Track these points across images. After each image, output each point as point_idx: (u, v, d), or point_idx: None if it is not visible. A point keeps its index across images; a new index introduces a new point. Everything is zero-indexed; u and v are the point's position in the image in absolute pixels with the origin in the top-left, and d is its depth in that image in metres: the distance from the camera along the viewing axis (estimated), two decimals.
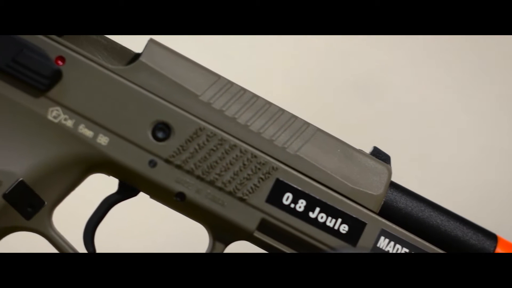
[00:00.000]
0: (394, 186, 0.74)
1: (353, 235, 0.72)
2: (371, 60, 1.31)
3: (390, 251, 0.72)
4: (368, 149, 0.74)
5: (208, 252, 0.74)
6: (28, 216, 0.71)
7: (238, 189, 0.72)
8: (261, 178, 0.72)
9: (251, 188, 0.72)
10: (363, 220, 0.73)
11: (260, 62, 1.23)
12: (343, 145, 0.73)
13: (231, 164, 0.72)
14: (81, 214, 0.74)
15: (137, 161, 0.71)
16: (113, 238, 0.94)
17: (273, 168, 0.72)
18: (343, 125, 1.10)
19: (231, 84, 0.72)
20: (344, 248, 0.72)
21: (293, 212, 0.72)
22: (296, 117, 0.73)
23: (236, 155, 0.71)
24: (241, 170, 0.72)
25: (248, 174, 0.72)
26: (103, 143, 0.71)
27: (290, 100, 0.90)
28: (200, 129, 0.71)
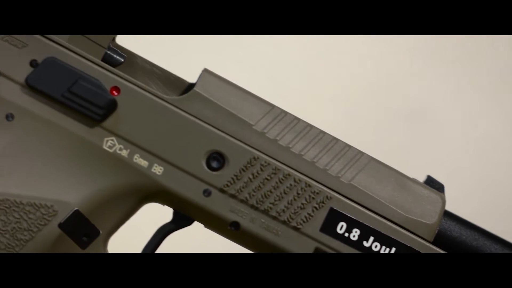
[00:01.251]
0: (448, 214, 0.74)
1: None
2: (421, 87, 1.31)
3: None
4: (421, 178, 0.74)
5: None
6: (83, 246, 0.71)
7: (292, 218, 0.72)
8: (315, 207, 0.72)
9: (305, 217, 0.72)
10: (416, 249, 0.72)
11: (311, 91, 1.24)
12: (396, 174, 0.73)
13: (285, 193, 0.72)
14: (135, 243, 0.75)
15: (191, 191, 0.71)
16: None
17: (327, 197, 0.72)
18: (396, 154, 1.10)
19: (285, 113, 0.72)
20: None
21: (347, 241, 0.72)
22: (350, 146, 0.73)
23: (290, 184, 0.71)
24: (295, 199, 0.72)
25: (302, 203, 0.72)
26: (158, 173, 0.71)
27: (342, 128, 0.90)
28: (254, 158, 0.71)
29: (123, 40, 0.73)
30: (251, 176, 0.71)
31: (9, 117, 0.70)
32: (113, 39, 0.73)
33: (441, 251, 0.72)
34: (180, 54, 1.14)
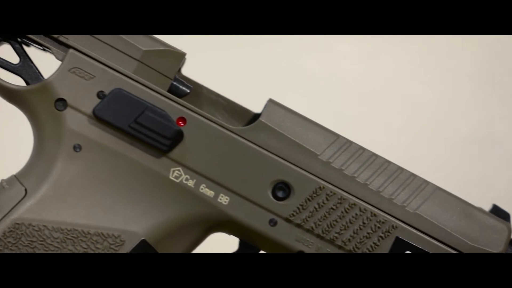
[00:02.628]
0: None
1: None
2: (487, 114, 1.30)
3: None
4: (487, 207, 0.74)
5: None
6: None
7: (358, 248, 0.72)
8: (381, 237, 0.72)
9: (371, 246, 0.72)
10: None
11: (374, 119, 1.23)
12: (462, 203, 0.73)
13: (350, 222, 0.72)
14: None
15: (258, 220, 0.71)
16: None
17: (392, 226, 0.72)
18: (461, 182, 1.09)
19: (350, 143, 0.72)
20: None
21: None
22: (415, 176, 0.73)
23: (356, 214, 0.72)
24: (360, 229, 0.72)
25: (368, 233, 0.72)
26: (224, 203, 0.71)
27: (407, 157, 0.90)
28: (320, 188, 0.71)
29: (188, 71, 0.74)
30: (316, 206, 0.71)
31: (77, 148, 0.71)
32: (179, 70, 0.74)
33: None
34: (245, 85, 1.14)
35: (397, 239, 0.72)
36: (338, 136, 0.72)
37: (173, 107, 0.71)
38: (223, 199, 0.71)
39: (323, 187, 0.71)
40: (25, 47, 0.72)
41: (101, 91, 0.71)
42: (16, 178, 0.72)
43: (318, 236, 0.71)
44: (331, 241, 0.71)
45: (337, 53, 1.25)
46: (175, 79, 0.72)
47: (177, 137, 0.70)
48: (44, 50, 0.72)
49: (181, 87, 0.72)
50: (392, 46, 1.26)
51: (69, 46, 0.71)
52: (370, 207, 0.71)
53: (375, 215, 0.71)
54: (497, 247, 0.72)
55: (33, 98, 0.71)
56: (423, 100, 1.26)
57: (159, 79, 0.71)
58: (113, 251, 0.71)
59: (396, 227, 0.71)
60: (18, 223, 0.70)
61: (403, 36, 1.24)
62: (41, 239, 0.70)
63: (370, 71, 1.26)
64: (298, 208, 0.71)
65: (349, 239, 0.72)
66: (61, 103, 0.71)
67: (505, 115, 1.30)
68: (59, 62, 0.71)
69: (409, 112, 1.26)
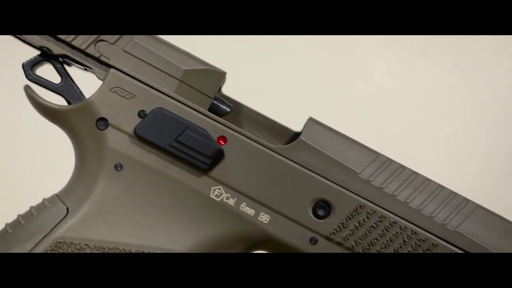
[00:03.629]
0: None
1: None
2: None
3: None
4: None
5: None
6: None
7: None
8: None
9: None
10: None
11: (414, 136, 1.23)
12: (502, 221, 0.73)
13: (391, 240, 0.72)
14: None
15: (298, 239, 0.72)
16: None
17: (433, 244, 0.72)
18: (502, 200, 1.09)
19: (390, 161, 0.72)
20: None
21: None
22: (455, 194, 0.73)
23: (396, 232, 0.71)
24: (401, 247, 0.71)
25: (408, 251, 0.71)
26: (264, 221, 0.72)
27: (447, 175, 0.90)
28: (361, 206, 0.71)
29: (229, 90, 0.74)
30: (357, 224, 0.71)
31: (118, 167, 0.71)
32: (220, 89, 0.74)
33: None
34: (285, 103, 1.14)
35: None
36: (378, 154, 0.72)
37: (213, 126, 0.71)
38: (264, 218, 0.71)
39: (364, 205, 0.71)
40: (66, 67, 0.72)
41: (142, 110, 0.71)
42: (58, 197, 0.72)
43: None
44: None
45: (376, 71, 1.25)
46: (216, 98, 0.72)
47: (218, 156, 0.71)
48: (85, 69, 0.73)
49: (221, 106, 0.72)
50: (431, 63, 1.26)
51: (110, 66, 0.71)
52: (410, 225, 0.71)
53: (415, 233, 0.71)
54: None
55: (74, 117, 0.71)
56: (464, 118, 1.26)
57: (199, 98, 0.71)
58: None
59: (437, 245, 0.71)
60: (60, 242, 0.70)
61: (442, 54, 1.24)
62: None
63: (410, 88, 1.26)
64: (339, 226, 0.71)
65: None
66: (102, 122, 0.71)
67: None
68: (100, 82, 0.71)
69: (450, 129, 1.25)
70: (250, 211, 0.71)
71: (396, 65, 1.27)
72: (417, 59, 1.26)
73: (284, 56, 1.21)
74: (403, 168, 0.72)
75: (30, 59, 0.72)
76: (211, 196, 0.71)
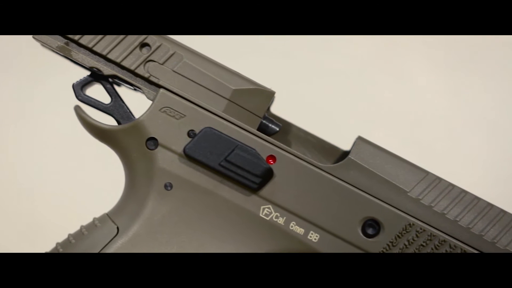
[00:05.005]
0: None
1: None
2: None
3: None
4: None
5: None
6: None
7: None
8: None
9: None
10: None
11: (464, 154, 1.23)
12: None
13: None
14: None
15: None
16: None
17: None
18: None
19: (439, 180, 0.72)
20: None
21: None
22: (505, 212, 0.72)
23: (446, 251, 0.71)
24: None
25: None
26: (314, 240, 0.72)
27: (497, 192, 0.89)
28: (410, 225, 0.71)
29: (277, 110, 0.75)
30: (406, 243, 0.71)
31: (168, 186, 0.72)
32: (268, 109, 0.74)
33: None
34: (334, 122, 1.15)
35: None
36: (427, 172, 0.72)
37: (263, 145, 0.71)
38: (313, 237, 0.72)
39: (413, 224, 0.71)
40: (116, 87, 0.73)
41: (192, 130, 0.71)
42: (108, 216, 0.72)
43: None
44: None
45: (422, 88, 1.25)
46: (265, 118, 0.73)
47: (267, 175, 0.71)
48: (135, 89, 0.73)
49: (270, 125, 0.73)
50: (475, 79, 1.26)
51: (159, 86, 0.72)
52: (460, 243, 0.71)
53: (464, 251, 0.71)
54: None
55: (124, 137, 0.71)
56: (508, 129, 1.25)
57: (248, 118, 0.72)
58: None
59: None
60: None
61: (486, 69, 1.24)
62: None
63: (458, 105, 1.26)
64: (388, 245, 0.71)
65: None
66: (152, 142, 0.71)
67: None
68: (150, 102, 0.72)
69: (499, 147, 1.25)
70: (300, 230, 0.72)
71: (442, 82, 1.26)
72: (462, 74, 1.26)
73: (332, 75, 1.22)
74: (452, 186, 0.72)
75: (80, 79, 0.72)
76: (261, 215, 0.72)
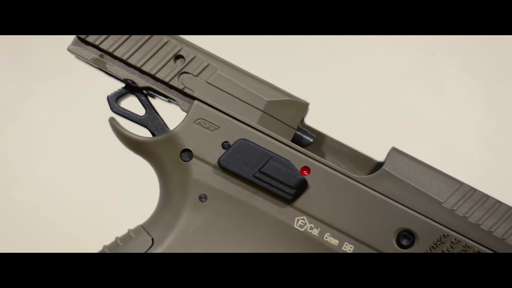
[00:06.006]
0: None
1: None
2: None
3: None
4: None
5: None
6: None
7: None
8: None
9: None
10: None
11: (498, 165, 1.23)
12: None
13: None
14: None
15: None
16: None
17: None
18: None
19: (473, 190, 0.72)
20: None
21: None
22: None
23: None
24: None
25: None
26: (348, 251, 0.72)
27: None
28: (444, 235, 0.71)
29: (311, 121, 0.75)
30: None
31: (203, 198, 0.72)
32: (302, 120, 0.74)
33: None
34: (367, 133, 1.15)
35: None
36: (461, 183, 0.72)
37: (297, 157, 0.71)
38: (348, 248, 0.72)
39: (448, 235, 0.71)
40: (150, 99, 0.73)
41: (226, 142, 0.72)
42: (143, 228, 0.73)
43: None
44: None
45: (457, 99, 1.25)
46: (299, 129, 0.73)
47: (302, 186, 0.71)
48: (169, 101, 0.73)
49: (304, 136, 0.73)
50: (509, 88, 1.26)
51: (194, 98, 0.72)
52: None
53: None
54: None
55: (159, 149, 0.72)
56: None
57: (282, 129, 0.72)
58: None
59: None
60: None
61: None
62: None
63: (491, 115, 1.25)
64: None
65: None
66: (186, 153, 0.72)
67: None
68: (184, 114, 0.72)
69: None
70: (334, 241, 0.72)
71: (475, 92, 1.26)
72: (497, 87, 1.26)
73: (365, 86, 1.22)
74: (487, 197, 0.72)
75: (115, 91, 0.73)
76: (295, 226, 0.72)
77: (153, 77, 0.72)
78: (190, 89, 0.72)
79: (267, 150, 0.71)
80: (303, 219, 0.72)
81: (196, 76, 0.72)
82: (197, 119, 0.71)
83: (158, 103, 0.73)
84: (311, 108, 0.72)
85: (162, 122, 0.73)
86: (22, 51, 1.27)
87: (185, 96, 0.72)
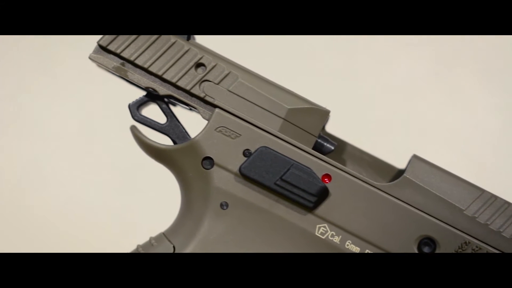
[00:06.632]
0: None
1: None
2: None
3: None
4: None
5: None
6: None
7: None
8: None
9: None
10: None
11: None
12: None
13: None
14: None
15: None
16: None
17: None
18: None
19: (494, 197, 0.72)
20: None
21: None
22: None
23: None
24: None
25: None
26: None
27: None
28: (466, 243, 0.71)
29: (332, 128, 0.75)
30: None
31: (224, 205, 0.72)
32: (323, 128, 0.74)
33: None
34: (387, 141, 1.15)
35: None
36: (482, 191, 0.72)
37: (318, 164, 0.72)
38: None
39: (469, 242, 0.71)
40: (171, 107, 0.73)
41: (247, 149, 0.72)
42: (165, 235, 0.73)
43: None
44: None
45: (477, 107, 1.25)
46: (320, 137, 0.73)
47: (323, 194, 0.71)
48: (190, 109, 0.73)
49: (325, 144, 0.73)
50: None
51: (215, 106, 0.72)
52: None
53: None
54: None
55: (180, 157, 0.72)
56: None
57: (303, 137, 0.72)
58: None
59: None
60: None
61: None
62: None
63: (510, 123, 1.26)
64: None
65: None
66: (208, 161, 0.72)
67: None
68: (205, 121, 0.72)
69: None
70: (355, 249, 0.72)
71: (495, 100, 1.26)
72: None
73: (386, 94, 1.22)
74: (508, 204, 0.72)
75: (136, 100, 0.73)
76: (316, 234, 0.72)
77: (174, 85, 0.72)
78: (211, 97, 0.72)
79: (288, 157, 0.71)
80: (324, 226, 0.72)
81: (217, 84, 0.72)
82: (218, 127, 0.72)
83: (179, 111, 0.73)
84: (332, 115, 0.72)
85: (183, 130, 0.73)
86: (46, 59, 1.27)
87: (206, 104, 0.72)
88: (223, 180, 0.72)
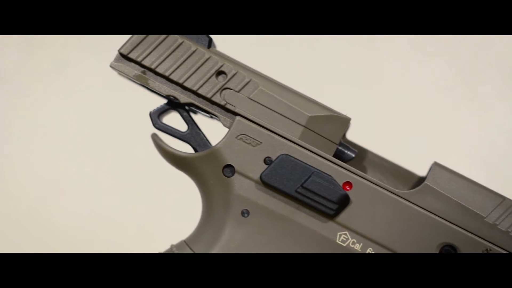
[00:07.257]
0: None
1: None
2: None
3: None
4: None
5: None
6: None
7: None
8: None
9: None
10: None
11: None
12: None
13: None
14: None
15: None
16: None
17: None
18: None
19: None
20: None
21: None
22: None
23: None
24: None
25: None
26: None
27: None
28: (487, 250, 0.71)
29: (353, 136, 0.75)
30: None
31: (245, 213, 0.72)
32: (344, 135, 0.75)
33: None
34: (408, 148, 1.15)
35: None
36: (504, 198, 0.72)
37: (339, 172, 0.72)
38: None
39: (490, 250, 0.71)
40: (192, 115, 0.74)
41: (268, 157, 0.72)
42: (186, 243, 0.73)
43: None
44: None
45: (497, 113, 1.25)
46: (340, 144, 0.73)
47: (344, 202, 0.71)
48: (211, 117, 0.74)
49: (346, 151, 0.73)
50: None
51: (236, 113, 0.72)
52: None
53: None
54: None
55: (201, 164, 0.72)
56: None
57: (324, 144, 0.72)
58: None
59: None
60: None
61: None
62: None
63: None
64: None
65: None
66: (229, 169, 0.72)
67: None
68: (226, 129, 0.72)
69: None
70: None
71: None
72: None
73: (407, 101, 1.22)
74: None
75: (157, 107, 0.73)
76: (337, 241, 0.72)
77: (195, 93, 0.73)
78: (232, 105, 0.72)
79: (309, 165, 0.71)
80: (345, 234, 0.72)
81: (238, 92, 0.72)
82: (239, 135, 0.72)
83: (200, 119, 0.74)
84: (352, 123, 0.73)
85: (204, 138, 0.73)
86: (64, 65, 1.28)
87: (227, 112, 0.73)
88: (244, 187, 0.72)
